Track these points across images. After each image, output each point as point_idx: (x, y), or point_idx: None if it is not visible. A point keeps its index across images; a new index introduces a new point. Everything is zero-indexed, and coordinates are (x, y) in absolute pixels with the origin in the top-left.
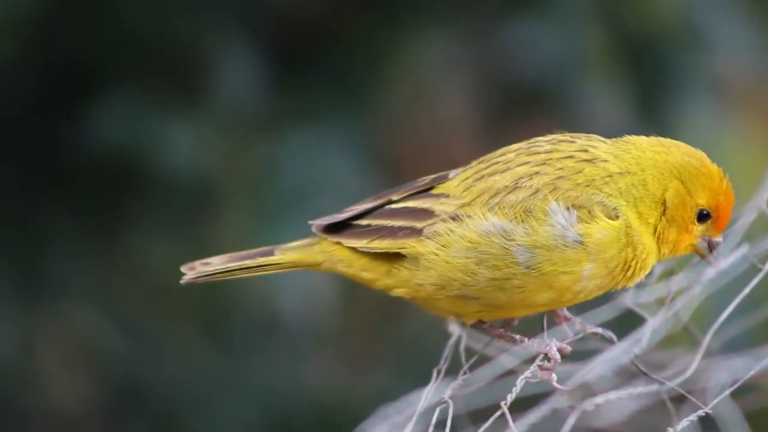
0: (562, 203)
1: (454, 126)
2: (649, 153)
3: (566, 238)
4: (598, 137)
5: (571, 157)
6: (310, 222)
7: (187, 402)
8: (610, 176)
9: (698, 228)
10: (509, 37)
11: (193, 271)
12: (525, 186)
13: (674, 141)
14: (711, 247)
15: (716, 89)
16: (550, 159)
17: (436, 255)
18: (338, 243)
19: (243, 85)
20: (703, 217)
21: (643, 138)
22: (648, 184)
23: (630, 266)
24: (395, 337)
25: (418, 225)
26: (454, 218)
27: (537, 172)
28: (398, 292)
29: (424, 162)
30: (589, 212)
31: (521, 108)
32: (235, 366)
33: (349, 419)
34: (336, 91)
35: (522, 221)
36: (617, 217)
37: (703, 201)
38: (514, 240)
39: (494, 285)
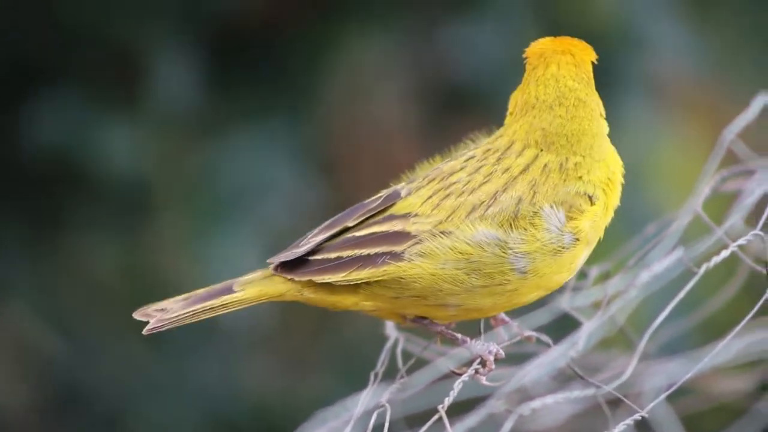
0: (554, 205)
1: (393, 127)
2: (526, 124)
3: (563, 241)
4: (508, 148)
5: (527, 169)
6: (268, 261)
7: (126, 404)
8: (572, 167)
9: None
10: (447, 38)
11: (149, 317)
12: (504, 199)
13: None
14: None
15: (654, 91)
16: (513, 176)
17: (422, 269)
18: (309, 281)
19: (181, 86)
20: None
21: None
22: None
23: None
24: (333, 340)
25: (398, 249)
26: (442, 233)
27: (492, 174)
28: (364, 305)
29: (362, 163)
30: (576, 207)
31: (460, 108)
32: (174, 368)
33: (287, 422)
34: (275, 93)
35: (512, 228)
36: (593, 201)
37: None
38: (510, 248)
39: (484, 291)
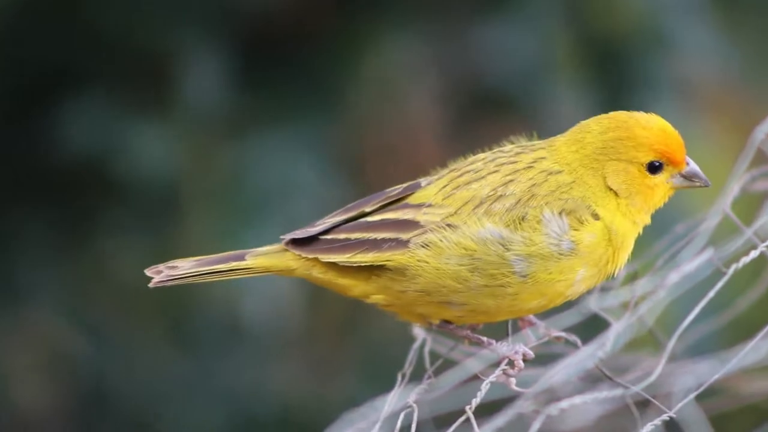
0: (555, 210)
1: (422, 128)
2: (569, 156)
3: (561, 247)
4: (533, 145)
5: (531, 167)
6: (282, 237)
7: (154, 405)
8: (570, 184)
9: (662, 177)
10: (477, 39)
11: (159, 274)
12: (505, 194)
13: (585, 125)
14: (689, 177)
15: (682, 92)
16: (517, 169)
17: (427, 263)
18: (314, 258)
19: (210, 89)
20: (656, 168)
21: (559, 138)
22: (588, 181)
23: (613, 259)
24: (360, 342)
25: (404, 236)
26: (449, 226)
27: (511, 180)
28: (375, 298)
29: (391, 164)
30: (578, 218)
31: (489, 110)
32: (201, 369)
33: (314, 423)
34: (303, 94)
35: (517, 229)
36: (598, 218)
37: (644, 158)
38: (511, 249)
39: (486, 292)
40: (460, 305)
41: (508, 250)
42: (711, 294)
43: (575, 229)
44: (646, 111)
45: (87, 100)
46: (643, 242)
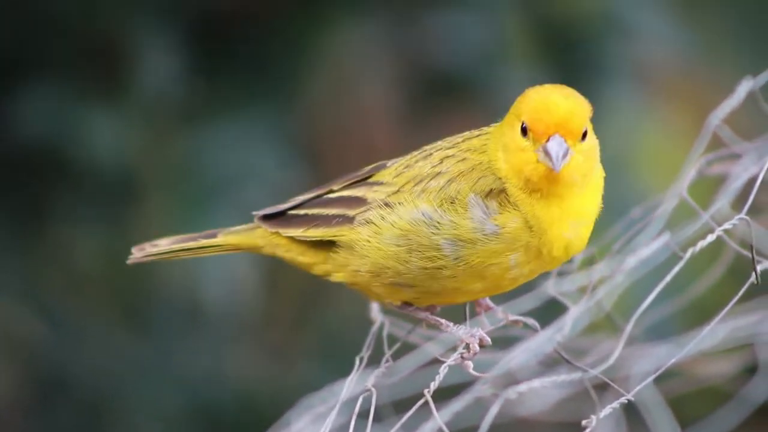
0: (480, 195)
1: (377, 114)
2: (493, 131)
3: (484, 231)
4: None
5: (459, 144)
6: (253, 213)
7: (111, 390)
8: (488, 162)
9: (527, 142)
10: (431, 24)
11: (142, 252)
12: (441, 172)
13: None
14: (544, 152)
15: (638, 77)
16: (456, 143)
17: (369, 242)
18: (276, 232)
19: (165, 74)
20: (523, 130)
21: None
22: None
23: (542, 242)
24: (318, 325)
25: (351, 213)
26: (387, 205)
27: (447, 156)
28: (338, 276)
29: (346, 150)
30: (500, 201)
31: (444, 96)
32: (158, 354)
33: (273, 408)
34: (258, 80)
35: (447, 210)
36: (515, 205)
37: (521, 116)
38: (440, 232)
39: (426, 274)
40: (409, 287)
41: (437, 233)
42: (668, 278)
43: (500, 213)
44: (603, 96)
45: (41, 86)
46: (600, 226)
